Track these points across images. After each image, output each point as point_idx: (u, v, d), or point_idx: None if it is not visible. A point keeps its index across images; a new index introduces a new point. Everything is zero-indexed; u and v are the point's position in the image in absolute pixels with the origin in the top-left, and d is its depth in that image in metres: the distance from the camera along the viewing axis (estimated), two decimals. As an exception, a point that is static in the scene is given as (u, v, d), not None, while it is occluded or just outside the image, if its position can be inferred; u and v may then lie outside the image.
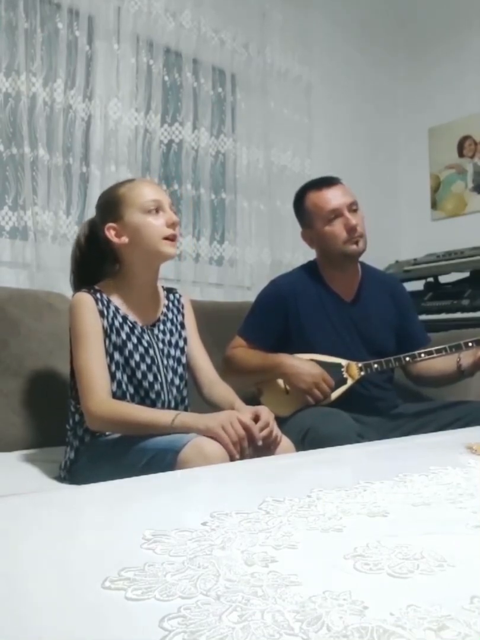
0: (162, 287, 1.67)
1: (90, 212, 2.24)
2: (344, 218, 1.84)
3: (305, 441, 1.58)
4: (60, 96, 2.19)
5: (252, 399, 1.84)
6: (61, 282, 2.11)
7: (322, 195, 1.87)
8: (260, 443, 1.33)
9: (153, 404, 1.50)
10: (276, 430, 1.39)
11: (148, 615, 0.48)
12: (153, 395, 1.50)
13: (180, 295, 1.68)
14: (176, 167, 2.60)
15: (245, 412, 1.38)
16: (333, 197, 1.85)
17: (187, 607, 0.49)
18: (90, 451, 1.44)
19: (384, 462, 1.17)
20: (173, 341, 1.59)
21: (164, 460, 1.23)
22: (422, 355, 1.84)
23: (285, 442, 1.44)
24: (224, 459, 1.23)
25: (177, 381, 1.57)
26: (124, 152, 2.36)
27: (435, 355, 1.83)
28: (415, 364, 1.95)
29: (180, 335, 1.62)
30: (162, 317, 1.60)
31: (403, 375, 2.06)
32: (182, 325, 1.63)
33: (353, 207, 1.86)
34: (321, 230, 1.87)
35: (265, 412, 1.40)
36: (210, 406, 1.57)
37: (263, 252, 2.79)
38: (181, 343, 1.61)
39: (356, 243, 1.86)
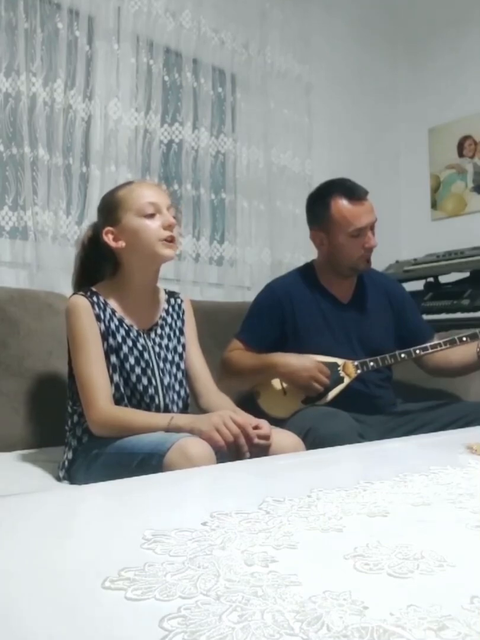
0: (165, 290, 1.66)
1: (91, 212, 2.25)
2: (366, 237, 1.84)
3: (306, 441, 1.57)
4: (60, 96, 2.19)
5: (249, 402, 1.84)
6: (61, 282, 2.11)
7: (355, 210, 1.82)
8: (256, 440, 1.32)
9: (148, 408, 1.50)
10: (267, 428, 1.37)
11: (148, 615, 0.48)
12: (147, 399, 1.50)
13: (181, 300, 1.66)
14: (176, 167, 2.59)
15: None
16: (364, 216, 1.83)
17: (187, 607, 0.49)
18: (87, 452, 1.44)
19: (384, 462, 1.16)
20: (171, 346, 1.58)
21: (150, 464, 1.22)
22: (418, 351, 1.84)
23: (291, 438, 1.44)
24: (210, 460, 1.22)
25: (177, 387, 1.56)
26: (124, 152, 2.35)
27: (430, 351, 1.84)
28: (431, 357, 1.93)
29: (179, 341, 1.61)
30: (160, 322, 1.59)
31: (401, 373, 2.06)
32: (182, 331, 1.62)
33: (374, 225, 1.86)
34: (340, 242, 1.85)
35: (244, 416, 1.40)
36: None
37: (263, 252, 2.79)
38: (180, 348, 1.60)
39: (368, 260, 1.88)
